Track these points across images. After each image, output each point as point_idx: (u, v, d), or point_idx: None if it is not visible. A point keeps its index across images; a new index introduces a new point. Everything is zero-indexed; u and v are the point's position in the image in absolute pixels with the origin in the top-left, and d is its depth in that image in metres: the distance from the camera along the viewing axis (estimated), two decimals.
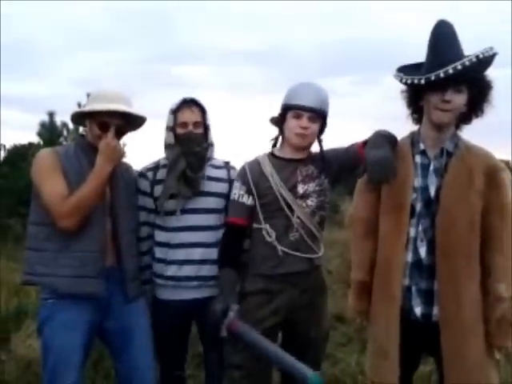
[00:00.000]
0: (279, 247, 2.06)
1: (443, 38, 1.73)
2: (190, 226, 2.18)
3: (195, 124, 2.17)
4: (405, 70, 1.82)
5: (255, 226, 2.12)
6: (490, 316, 1.78)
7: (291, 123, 2.08)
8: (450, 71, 1.66)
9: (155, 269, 2.23)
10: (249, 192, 2.11)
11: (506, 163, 1.79)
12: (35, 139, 8.03)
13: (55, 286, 1.96)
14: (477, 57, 1.67)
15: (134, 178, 2.25)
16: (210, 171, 2.25)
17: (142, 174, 2.25)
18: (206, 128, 2.22)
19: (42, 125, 7.68)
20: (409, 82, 1.77)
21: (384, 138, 1.84)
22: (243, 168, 2.17)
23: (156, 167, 2.24)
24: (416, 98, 1.85)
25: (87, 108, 2.06)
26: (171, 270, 2.18)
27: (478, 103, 1.79)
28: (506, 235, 1.77)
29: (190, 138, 2.16)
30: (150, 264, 2.26)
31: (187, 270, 2.17)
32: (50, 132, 7.62)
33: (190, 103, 2.18)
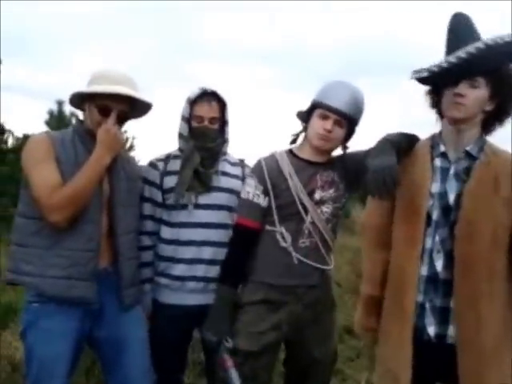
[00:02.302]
0: (294, 254, 1.92)
1: (459, 30, 1.64)
2: (200, 223, 2.06)
3: (212, 119, 2.08)
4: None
5: (268, 228, 1.96)
6: None
7: (316, 123, 1.94)
8: (463, 55, 1.54)
9: (160, 268, 2.11)
10: (265, 192, 1.96)
11: None
12: (44, 128, 7.97)
13: (41, 287, 1.78)
14: (485, 44, 1.54)
15: (136, 173, 2.08)
16: (224, 166, 2.16)
17: (152, 164, 2.14)
18: (224, 123, 2.13)
19: (51, 113, 7.62)
20: (424, 74, 1.64)
21: (391, 145, 1.71)
22: (259, 164, 2.02)
23: (167, 158, 2.15)
24: (436, 98, 1.75)
25: (87, 89, 1.86)
26: (179, 269, 2.06)
27: (501, 102, 1.66)
28: None
29: (204, 133, 2.07)
30: (150, 261, 2.12)
31: (196, 270, 2.05)
32: (58, 121, 7.55)
33: (209, 96, 2.07)
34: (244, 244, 1.98)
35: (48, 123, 7.69)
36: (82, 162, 1.80)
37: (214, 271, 2.04)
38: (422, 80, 1.71)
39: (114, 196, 1.91)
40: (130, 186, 1.99)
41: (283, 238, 1.93)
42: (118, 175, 1.94)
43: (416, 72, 1.68)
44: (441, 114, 1.77)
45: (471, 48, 1.54)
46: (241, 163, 2.23)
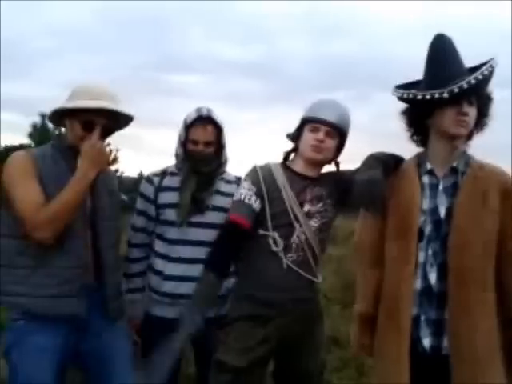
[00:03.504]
0: (285, 260, 1.92)
1: (445, 51, 1.71)
2: (191, 241, 2.10)
3: (206, 143, 2.11)
4: (403, 89, 1.78)
5: (261, 232, 1.95)
6: None
7: (307, 136, 1.97)
8: (473, 81, 1.62)
9: (151, 282, 2.14)
10: (258, 195, 1.95)
11: None
12: (27, 141, 7.90)
13: (29, 307, 1.76)
14: (491, 66, 1.66)
15: (115, 186, 2.07)
16: (220, 185, 2.19)
17: (148, 179, 2.18)
18: (221, 146, 2.16)
19: (34, 126, 7.55)
20: (427, 97, 1.67)
21: (377, 160, 1.76)
22: (254, 169, 2.02)
23: (163, 173, 2.18)
24: (422, 117, 1.78)
25: (70, 104, 1.84)
26: (168, 286, 2.08)
27: (482, 116, 1.76)
28: None
29: (198, 158, 2.11)
30: (140, 271, 2.17)
31: (185, 288, 2.04)
32: (41, 134, 7.49)
33: (205, 121, 2.10)
34: (233, 239, 1.94)
35: (31, 136, 7.62)
36: (65, 178, 1.78)
37: None
38: (405, 99, 1.76)
39: (98, 211, 1.90)
40: (112, 200, 1.99)
41: (275, 242, 1.93)
42: (101, 190, 1.93)
43: (406, 92, 1.73)
44: (420, 134, 1.83)
45: (484, 70, 1.64)
46: (237, 181, 2.23)
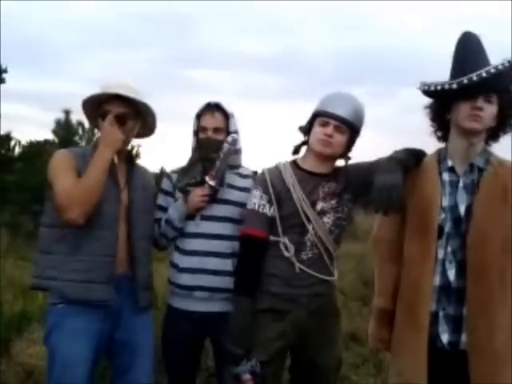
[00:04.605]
0: (297, 264, 1.94)
1: (470, 47, 1.71)
2: (204, 234, 2.11)
3: (216, 130, 2.14)
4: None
5: (272, 238, 1.98)
6: None
7: (317, 130, 1.98)
8: (484, 74, 1.62)
9: (170, 274, 2.19)
10: (270, 202, 1.98)
11: None
12: (51, 136, 8.00)
13: (63, 290, 1.89)
14: (509, 61, 1.64)
15: (151, 183, 2.22)
16: (233, 179, 2.19)
17: (167, 175, 2.25)
18: (230, 134, 2.17)
19: (58, 122, 7.65)
20: (439, 88, 1.70)
21: (397, 163, 1.74)
22: (263, 175, 2.04)
23: (182, 170, 2.21)
24: (443, 111, 1.79)
25: (83, 98, 2.02)
26: (183, 279, 2.11)
27: (507, 117, 1.75)
28: None
29: (207, 144, 2.13)
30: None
31: (200, 280, 2.09)
32: (65, 130, 7.59)
33: (212, 108, 2.15)
34: (254, 254, 1.98)
35: (55, 132, 7.73)
36: None
37: (218, 281, 2.08)
38: (429, 93, 1.76)
39: (132, 204, 2.03)
40: (146, 195, 2.12)
41: (286, 248, 1.95)
42: (135, 185, 2.07)
43: (426, 85, 1.74)
44: (442, 130, 1.83)
45: (499, 65, 1.63)
46: (253, 176, 2.23)
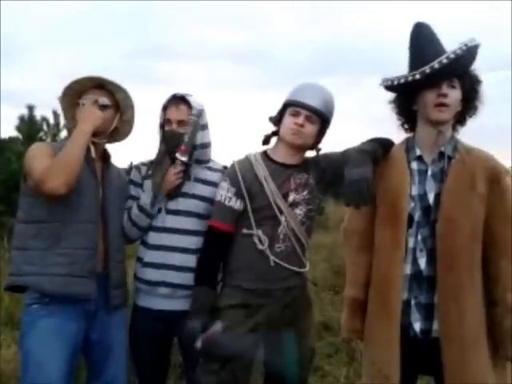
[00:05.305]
0: (271, 257, 1.94)
1: (424, 37, 1.74)
2: (170, 228, 2.07)
3: (180, 122, 2.08)
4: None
5: (245, 231, 1.97)
6: (499, 327, 1.70)
7: (287, 120, 1.98)
8: (445, 61, 1.65)
9: (135, 268, 2.15)
10: (238, 195, 1.96)
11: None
12: (14, 133, 7.77)
13: (42, 285, 1.84)
14: (465, 45, 1.67)
15: (125, 183, 2.19)
16: (202, 173, 2.14)
17: (136, 167, 2.21)
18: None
19: (21, 119, 7.42)
20: (402, 81, 1.72)
21: (367, 155, 1.75)
22: (233, 167, 2.03)
23: (151, 163, 2.17)
24: (408, 104, 1.80)
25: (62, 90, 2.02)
26: (147, 274, 2.08)
27: (471, 100, 1.77)
28: None
29: (171, 137, 2.08)
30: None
31: (164, 275, 2.05)
32: (29, 126, 7.38)
33: (178, 100, 2.10)
34: (216, 246, 1.98)
35: (19, 128, 7.51)
36: None
37: (180, 277, 2.04)
38: (392, 87, 1.78)
39: (107, 201, 2.02)
40: (120, 193, 2.11)
41: (260, 241, 1.94)
42: (110, 183, 2.06)
43: (389, 80, 1.76)
44: (409, 122, 1.85)
45: (457, 49, 1.66)
46: (223, 170, 2.18)
